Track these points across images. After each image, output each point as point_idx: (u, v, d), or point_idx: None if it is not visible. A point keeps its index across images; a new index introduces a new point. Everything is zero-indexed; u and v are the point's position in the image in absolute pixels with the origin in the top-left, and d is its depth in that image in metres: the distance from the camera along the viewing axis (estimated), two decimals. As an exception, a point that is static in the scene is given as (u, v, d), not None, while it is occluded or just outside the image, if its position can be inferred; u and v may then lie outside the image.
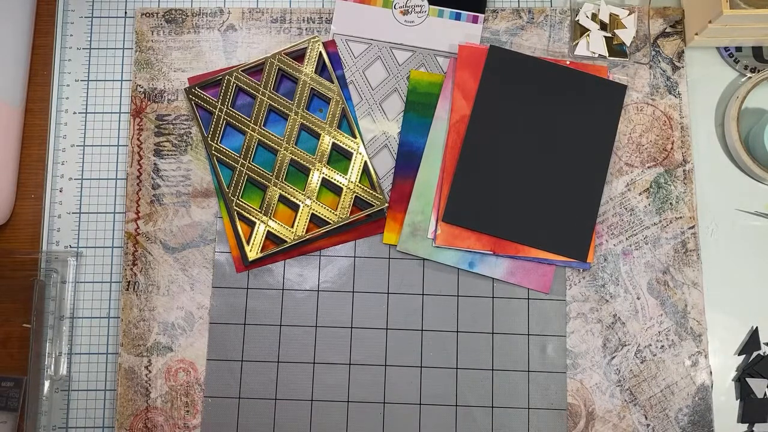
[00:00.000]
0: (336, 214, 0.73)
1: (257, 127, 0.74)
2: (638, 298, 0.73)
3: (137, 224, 0.74)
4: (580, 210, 0.73)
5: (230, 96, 0.74)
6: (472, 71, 0.75)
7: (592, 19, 0.76)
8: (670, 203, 0.74)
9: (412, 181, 0.74)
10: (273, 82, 0.75)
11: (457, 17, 0.77)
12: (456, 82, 0.75)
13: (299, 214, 0.73)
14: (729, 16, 0.69)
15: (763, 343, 0.73)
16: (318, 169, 0.74)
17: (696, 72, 0.78)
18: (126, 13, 0.79)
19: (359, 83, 0.77)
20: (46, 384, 0.72)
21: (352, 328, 0.73)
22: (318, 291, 0.73)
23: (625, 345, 0.72)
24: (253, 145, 0.74)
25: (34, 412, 0.71)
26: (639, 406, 0.71)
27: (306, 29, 0.78)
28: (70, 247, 0.75)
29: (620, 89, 0.75)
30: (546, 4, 0.79)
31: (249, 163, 0.74)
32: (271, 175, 0.73)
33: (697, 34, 0.74)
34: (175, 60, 0.77)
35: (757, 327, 0.73)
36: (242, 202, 0.73)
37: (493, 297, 0.73)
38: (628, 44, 0.76)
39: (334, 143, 0.74)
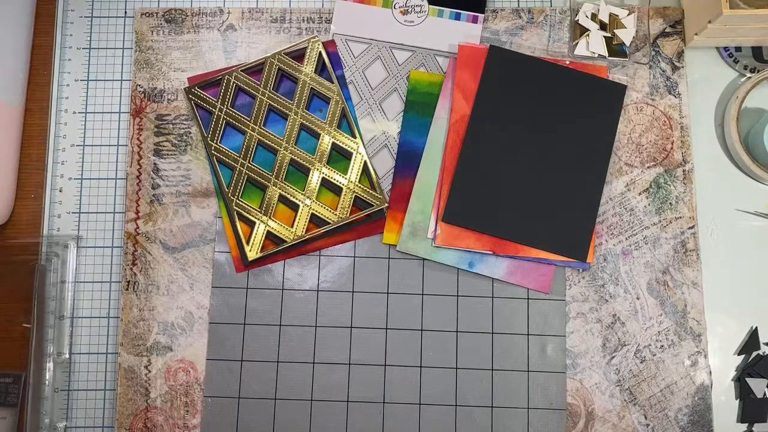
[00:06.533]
0: (336, 214, 0.73)
1: (257, 127, 0.74)
2: (638, 298, 0.73)
3: (137, 224, 0.74)
4: (580, 210, 0.73)
5: (230, 96, 0.75)
6: (472, 71, 0.75)
7: (592, 19, 0.76)
8: (670, 203, 0.74)
9: (412, 180, 0.74)
10: (273, 81, 0.75)
11: (457, 17, 0.77)
12: (456, 82, 0.75)
13: (299, 214, 0.73)
14: (729, 16, 0.68)
15: (763, 343, 0.73)
16: (318, 169, 0.74)
17: (696, 72, 0.78)
18: (126, 13, 0.79)
19: (359, 83, 0.77)
20: (46, 383, 0.72)
21: (352, 328, 0.73)
22: (318, 291, 0.73)
23: (625, 345, 0.72)
24: (253, 145, 0.74)
25: (35, 410, 0.71)
26: (639, 405, 0.71)
27: (306, 29, 0.78)
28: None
29: (620, 89, 0.75)
30: (546, 4, 0.79)
31: (249, 162, 0.74)
32: (271, 175, 0.73)
33: (696, 34, 0.74)
34: (174, 60, 0.77)
35: (756, 327, 0.73)
36: (242, 201, 0.73)
37: (492, 297, 0.73)
38: (627, 44, 0.76)
39: (333, 143, 0.74)
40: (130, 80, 0.78)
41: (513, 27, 0.77)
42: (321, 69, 0.76)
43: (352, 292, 0.73)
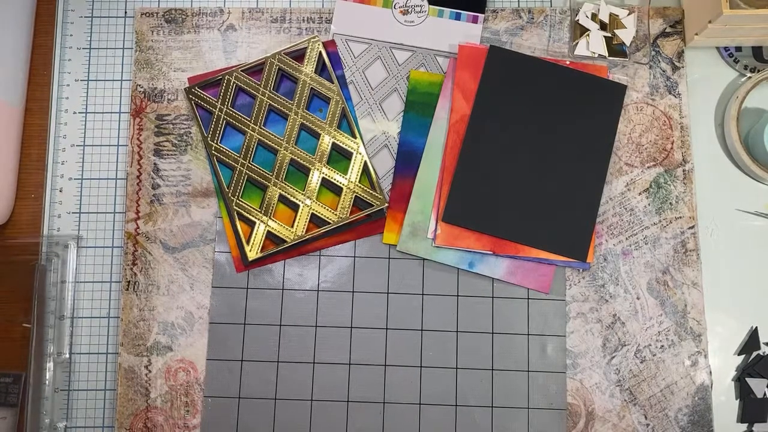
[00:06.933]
0: (336, 214, 0.73)
1: (257, 127, 0.74)
2: (638, 298, 0.73)
3: (137, 224, 0.74)
4: (580, 210, 0.73)
5: (230, 96, 0.75)
6: (472, 71, 0.75)
7: (592, 19, 0.76)
8: (670, 203, 0.74)
9: (412, 181, 0.74)
10: (273, 81, 0.75)
11: (457, 17, 0.77)
12: (456, 82, 0.75)
13: (299, 214, 0.73)
14: (729, 16, 0.69)
15: (763, 343, 0.73)
16: (318, 169, 0.74)
17: (696, 72, 0.78)
18: (126, 13, 0.79)
19: (359, 83, 0.77)
20: (46, 383, 0.72)
21: (352, 328, 0.73)
22: (318, 291, 0.73)
23: (625, 345, 0.72)
24: (253, 145, 0.74)
25: (35, 410, 0.71)
26: (639, 405, 0.71)
27: (306, 29, 0.78)
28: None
29: (620, 89, 0.75)
30: (546, 4, 0.79)
31: (249, 162, 0.74)
32: (271, 175, 0.73)
33: (697, 34, 0.74)
34: (175, 60, 0.77)
35: (756, 327, 0.73)
36: (242, 201, 0.73)
37: (493, 297, 0.73)
38: (627, 44, 0.76)
39: (334, 143, 0.74)
40: (130, 80, 0.78)
41: (513, 27, 0.77)
42: (321, 69, 0.76)
43: (352, 292, 0.73)
